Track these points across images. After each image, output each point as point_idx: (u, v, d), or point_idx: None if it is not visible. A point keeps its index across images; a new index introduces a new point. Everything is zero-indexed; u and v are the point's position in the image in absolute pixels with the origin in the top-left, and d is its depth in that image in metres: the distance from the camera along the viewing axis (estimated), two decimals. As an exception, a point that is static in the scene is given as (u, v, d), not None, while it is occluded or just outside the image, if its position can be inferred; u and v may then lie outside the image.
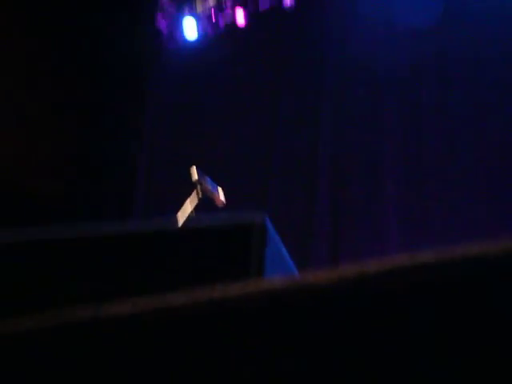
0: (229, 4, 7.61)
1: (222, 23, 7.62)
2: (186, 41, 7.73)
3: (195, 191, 3.82)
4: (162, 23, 7.93)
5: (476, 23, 6.47)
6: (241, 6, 7.42)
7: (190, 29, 7.67)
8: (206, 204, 3.89)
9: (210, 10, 7.68)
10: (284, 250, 1.68)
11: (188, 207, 3.74)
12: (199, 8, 7.76)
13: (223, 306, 0.89)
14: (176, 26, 7.73)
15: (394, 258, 0.80)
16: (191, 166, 3.99)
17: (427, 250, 0.80)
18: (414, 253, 0.80)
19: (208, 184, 3.92)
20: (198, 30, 7.69)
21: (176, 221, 2.84)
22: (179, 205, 3.76)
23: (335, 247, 6.39)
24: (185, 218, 3.63)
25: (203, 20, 7.67)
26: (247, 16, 7.40)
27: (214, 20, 7.57)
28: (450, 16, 6.63)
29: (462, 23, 6.56)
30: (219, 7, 7.61)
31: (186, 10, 7.80)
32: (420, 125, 6.52)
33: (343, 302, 0.76)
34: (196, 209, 3.76)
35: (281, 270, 1.61)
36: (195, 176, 3.90)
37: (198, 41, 7.73)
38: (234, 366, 0.81)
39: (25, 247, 1.81)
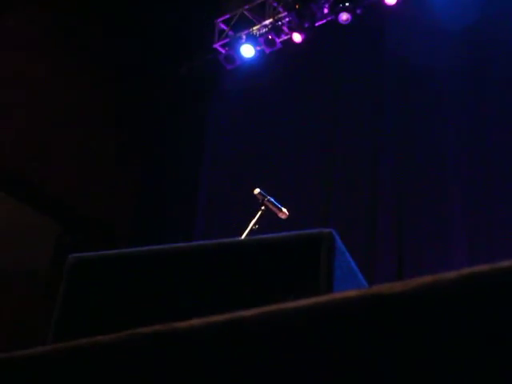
0: (285, 22, 7.65)
1: (278, 40, 7.67)
2: (243, 60, 7.80)
3: (259, 212, 3.85)
4: (220, 45, 8.03)
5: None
6: (297, 22, 7.44)
7: (246, 49, 7.74)
8: (271, 222, 3.91)
9: (266, 29, 7.74)
10: (353, 263, 1.66)
11: (251, 223, 3.76)
12: (256, 29, 7.83)
13: (297, 318, 0.88)
14: (233, 47, 7.81)
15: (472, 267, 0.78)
16: (253, 188, 4.02)
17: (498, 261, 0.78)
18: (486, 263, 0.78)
19: (272, 201, 3.94)
20: (255, 49, 7.75)
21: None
22: (240, 229, 3.78)
23: (400, 265, 6.24)
24: (247, 231, 3.65)
25: (260, 39, 7.72)
26: (303, 32, 7.41)
27: (270, 38, 7.61)
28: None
29: None
30: (275, 26, 7.66)
31: (243, 30, 7.88)
32: (485, 138, 6.34)
33: (421, 309, 0.74)
34: (259, 222, 3.78)
35: (351, 283, 1.59)
36: (259, 195, 3.94)
37: (255, 59, 7.79)
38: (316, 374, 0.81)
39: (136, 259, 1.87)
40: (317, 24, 7.53)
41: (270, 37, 7.64)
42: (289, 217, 4.00)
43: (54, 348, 1.03)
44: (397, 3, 7.10)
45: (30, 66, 7.28)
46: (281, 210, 3.94)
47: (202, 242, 1.85)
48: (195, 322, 1.01)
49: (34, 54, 7.39)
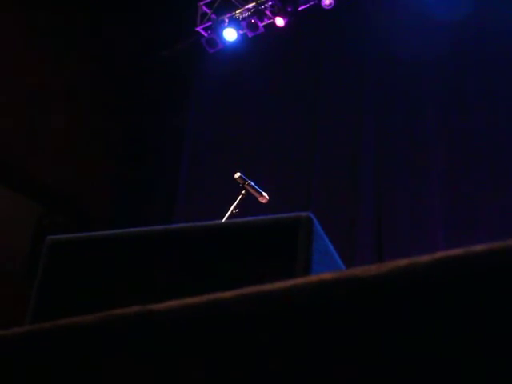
0: (268, 5, 7.62)
1: (261, 25, 7.64)
2: (226, 44, 7.77)
3: (240, 196, 3.86)
4: (202, 28, 7.98)
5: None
6: (280, 6, 7.41)
7: (229, 32, 7.70)
8: (251, 207, 3.91)
9: (249, 13, 7.70)
10: (331, 247, 1.67)
11: (232, 207, 3.77)
12: (238, 12, 7.79)
13: (273, 300, 0.89)
14: (216, 30, 7.76)
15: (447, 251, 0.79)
16: (234, 172, 4.02)
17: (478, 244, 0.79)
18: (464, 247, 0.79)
19: (252, 185, 3.94)
20: (238, 33, 7.72)
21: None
22: (221, 213, 3.79)
23: (379, 250, 6.29)
24: (227, 215, 3.66)
25: (242, 23, 7.69)
26: (286, 16, 7.39)
27: (253, 22, 7.58)
28: (492, 4, 6.50)
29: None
30: (258, 10, 7.62)
31: (226, 14, 7.84)
32: (464, 123, 6.39)
33: (395, 293, 0.75)
34: (239, 206, 3.79)
35: (329, 267, 1.60)
36: (240, 179, 3.94)
37: (238, 43, 7.76)
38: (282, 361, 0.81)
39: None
40: (300, 8, 7.51)
41: (252, 21, 7.60)
42: (269, 201, 4.02)
43: (29, 329, 1.03)
44: (380, -11, 7.10)
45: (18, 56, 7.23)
46: (261, 195, 3.95)
47: (180, 225, 1.85)
48: (172, 303, 1.01)
49: (21, 44, 7.32)
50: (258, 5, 7.66)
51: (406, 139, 6.63)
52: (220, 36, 7.75)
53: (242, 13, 7.77)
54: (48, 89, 7.50)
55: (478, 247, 0.77)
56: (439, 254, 0.76)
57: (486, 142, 6.20)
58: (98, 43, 8.15)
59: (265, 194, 3.97)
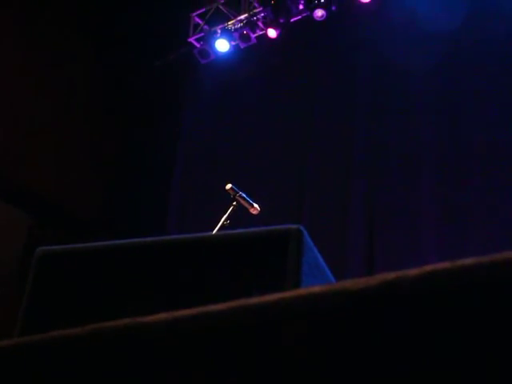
0: (260, 17, 7.65)
1: (253, 36, 7.66)
2: (218, 55, 7.78)
3: (231, 207, 3.86)
4: (194, 39, 8.00)
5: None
6: (272, 17, 7.44)
7: (221, 43, 7.72)
8: (242, 219, 3.91)
9: (241, 24, 7.73)
10: (321, 259, 1.67)
11: (223, 218, 3.77)
12: (231, 23, 7.81)
13: (262, 313, 0.89)
14: (208, 41, 7.78)
15: (435, 264, 0.80)
16: (226, 182, 4.02)
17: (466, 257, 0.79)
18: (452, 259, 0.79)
19: (243, 196, 3.94)
20: (230, 44, 7.74)
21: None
22: (212, 224, 3.79)
23: (370, 260, 6.29)
24: (219, 226, 3.66)
25: (235, 34, 7.71)
26: (278, 27, 7.41)
27: (245, 33, 7.61)
28: (483, 14, 6.54)
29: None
30: (250, 21, 7.65)
31: (218, 25, 7.86)
32: (456, 132, 6.42)
33: (383, 305, 0.76)
34: (230, 217, 3.79)
35: (318, 279, 1.60)
36: (231, 190, 3.94)
37: (230, 54, 7.78)
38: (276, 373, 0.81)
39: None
40: (292, 20, 7.54)
41: (245, 32, 7.63)
42: (261, 212, 4.01)
43: (18, 341, 1.02)
44: (372, 1, 7.14)
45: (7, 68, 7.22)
46: (252, 206, 3.95)
47: (169, 237, 1.85)
48: (162, 316, 1.01)
49: (14, 57, 7.32)
50: (251, 16, 7.69)
51: (398, 148, 6.67)
52: (212, 47, 7.77)
53: (234, 24, 7.80)
54: (40, 102, 7.49)
55: (467, 260, 0.78)
56: (427, 267, 0.76)
57: (478, 149, 6.23)
58: (89, 54, 8.15)
59: (256, 205, 3.97)
